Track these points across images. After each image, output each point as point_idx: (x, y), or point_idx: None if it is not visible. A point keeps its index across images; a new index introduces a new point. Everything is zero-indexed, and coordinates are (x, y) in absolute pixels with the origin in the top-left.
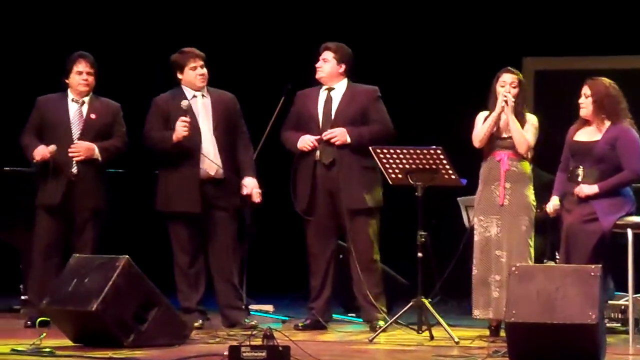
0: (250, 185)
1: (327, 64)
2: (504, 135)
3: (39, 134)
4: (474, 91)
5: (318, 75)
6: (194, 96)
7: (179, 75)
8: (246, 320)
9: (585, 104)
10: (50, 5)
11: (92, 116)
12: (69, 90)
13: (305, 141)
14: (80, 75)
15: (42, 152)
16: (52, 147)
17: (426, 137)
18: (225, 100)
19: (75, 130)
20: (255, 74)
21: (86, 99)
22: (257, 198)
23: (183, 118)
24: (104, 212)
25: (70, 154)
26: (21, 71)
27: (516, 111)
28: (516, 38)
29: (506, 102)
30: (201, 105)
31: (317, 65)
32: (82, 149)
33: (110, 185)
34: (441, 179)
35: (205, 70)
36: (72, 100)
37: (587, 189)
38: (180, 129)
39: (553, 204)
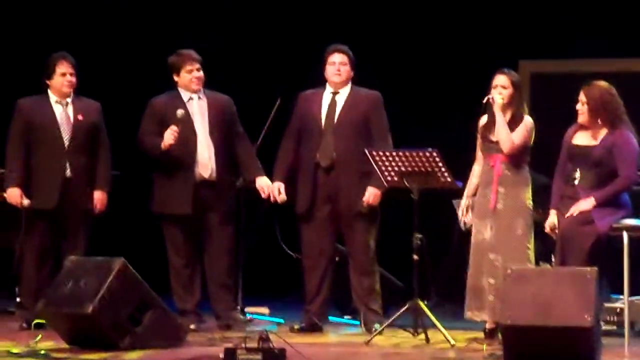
0: (266, 184)
1: (345, 68)
2: (495, 139)
3: (26, 139)
4: (469, 93)
5: (338, 80)
6: (190, 98)
7: (175, 78)
8: (241, 320)
9: (582, 111)
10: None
11: (80, 117)
12: (49, 92)
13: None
14: (65, 76)
15: (14, 198)
16: (27, 203)
17: (422, 139)
18: (221, 102)
19: (65, 134)
20: (250, 77)
21: (69, 99)
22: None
23: (174, 127)
24: (94, 213)
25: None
26: None
27: (512, 112)
28: (512, 41)
29: (490, 100)
30: (197, 107)
31: (337, 69)
32: (99, 203)
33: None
34: (436, 182)
35: (201, 74)
36: (56, 102)
37: (583, 206)
38: (168, 137)
39: (550, 222)
